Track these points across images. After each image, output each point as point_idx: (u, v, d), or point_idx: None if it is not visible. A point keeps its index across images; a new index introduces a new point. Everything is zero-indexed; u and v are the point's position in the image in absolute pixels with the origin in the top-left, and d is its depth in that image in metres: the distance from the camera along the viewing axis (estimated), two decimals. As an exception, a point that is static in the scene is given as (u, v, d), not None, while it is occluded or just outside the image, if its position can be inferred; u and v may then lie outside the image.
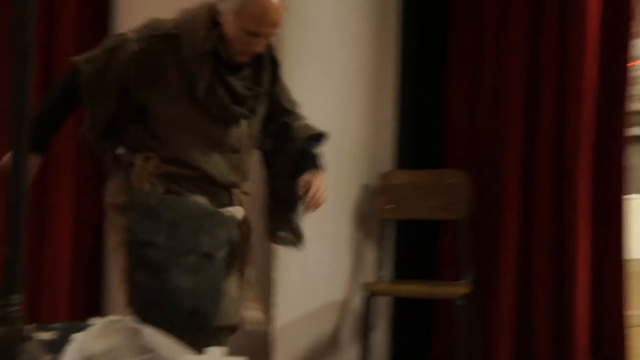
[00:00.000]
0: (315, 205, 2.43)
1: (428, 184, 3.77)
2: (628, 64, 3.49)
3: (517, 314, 3.53)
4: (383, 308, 3.79)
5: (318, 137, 2.58)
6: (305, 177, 2.45)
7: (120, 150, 2.44)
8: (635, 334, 3.53)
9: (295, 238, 2.58)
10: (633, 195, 7.80)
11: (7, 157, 2.25)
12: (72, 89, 2.40)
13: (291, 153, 2.55)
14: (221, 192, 2.43)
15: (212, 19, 2.33)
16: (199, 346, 2.27)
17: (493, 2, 3.67)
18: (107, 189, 2.49)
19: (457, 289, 3.45)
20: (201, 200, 2.39)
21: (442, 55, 3.86)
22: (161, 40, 2.34)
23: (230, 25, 2.31)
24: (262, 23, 2.30)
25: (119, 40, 2.39)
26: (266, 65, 2.45)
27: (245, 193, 2.51)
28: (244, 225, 2.48)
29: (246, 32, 2.30)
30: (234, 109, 2.36)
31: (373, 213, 3.76)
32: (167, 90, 2.34)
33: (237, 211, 2.46)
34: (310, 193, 2.42)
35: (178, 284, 2.26)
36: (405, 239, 3.89)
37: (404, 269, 3.86)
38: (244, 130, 2.44)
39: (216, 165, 2.39)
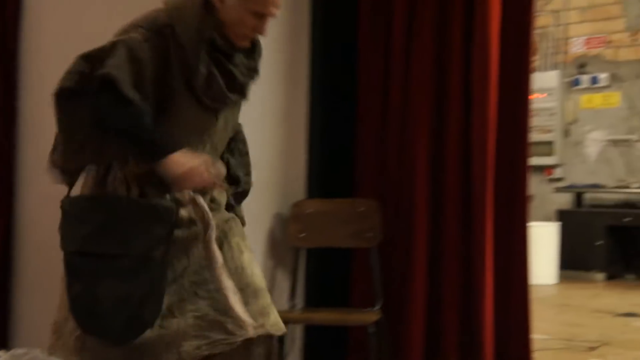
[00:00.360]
0: None
1: (339, 213, 3.82)
2: (529, 97, 3.63)
3: (427, 339, 3.60)
4: (296, 336, 3.81)
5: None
6: None
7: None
8: (538, 358, 3.65)
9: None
10: (532, 223, 8.05)
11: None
12: (119, 104, 2.17)
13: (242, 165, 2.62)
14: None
15: (204, 5, 2.26)
16: (145, 353, 2.23)
17: (399, 38, 3.78)
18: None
19: (368, 316, 3.50)
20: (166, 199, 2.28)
21: (352, 87, 3.94)
22: (161, 34, 2.23)
23: (233, 9, 2.25)
24: (269, 3, 2.27)
25: (130, 42, 2.22)
26: (258, 51, 2.42)
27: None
28: (194, 205, 2.34)
29: (253, 14, 2.26)
30: (229, 97, 2.31)
31: (285, 241, 3.78)
32: (173, 85, 2.25)
33: (181, 194, 2.32)
34: None
35: (111, 293, 2.18)
36: (318, 267, 3.93)
37: (316, 296, 3.89)
38: (228, 121, 2.43)
39: None
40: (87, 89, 2.21)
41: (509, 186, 3.62)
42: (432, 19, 3.71)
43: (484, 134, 3.56)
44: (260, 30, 2.31)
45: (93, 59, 2.23)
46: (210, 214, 2.34)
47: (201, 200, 2.34)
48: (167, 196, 2.30)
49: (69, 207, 2.29)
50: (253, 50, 2.40)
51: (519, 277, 3.59)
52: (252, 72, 2.39)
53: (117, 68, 2.17)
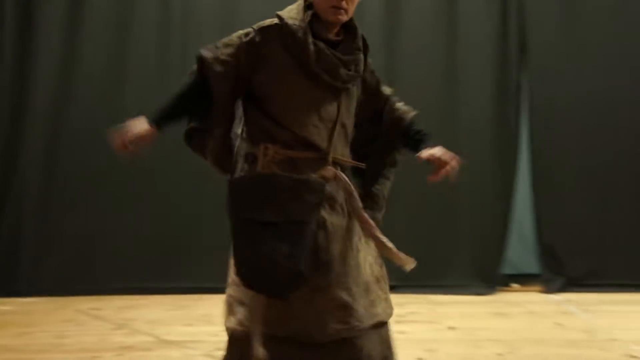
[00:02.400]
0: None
1: None
2: None
3: None
4: None
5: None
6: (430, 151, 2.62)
7: (243, 145, 2.65)
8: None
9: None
10: None
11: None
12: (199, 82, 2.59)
13: (399, 129, 2.79)
14: (323, 162, 2.60)
15: (304, 4, 2.64)
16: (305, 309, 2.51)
17: None
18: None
19: None
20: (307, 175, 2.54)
21: None
22: (265, 30, 2.58)
23: None
24: None
25: (232, 36, 2.62)
26: (360, 46, 2.68)
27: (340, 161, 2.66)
28: (336, 180, 2.60)
29: None
30: (342, 71, 2.58)
31: None
32: (276, 70, 2.56)
33: (326, 171, 2.58)
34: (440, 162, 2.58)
35: (274, 250, 2.42)
36: None
37: None
38: (343, 102, 2.65)
39: (320, 135, 2.59)
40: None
41: None
42: None
43: None
44: (342, 3, 2.54)
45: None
46: (352, 186, 2.63)
47: (342, 175, 2.62)
48: (314, 174, 2.56)
49: (239, 184, 2.54)
50: (356, 49, 2.67)
51: None
52: (354, 64, 2.63)
53: (210, 50, 2.59)
